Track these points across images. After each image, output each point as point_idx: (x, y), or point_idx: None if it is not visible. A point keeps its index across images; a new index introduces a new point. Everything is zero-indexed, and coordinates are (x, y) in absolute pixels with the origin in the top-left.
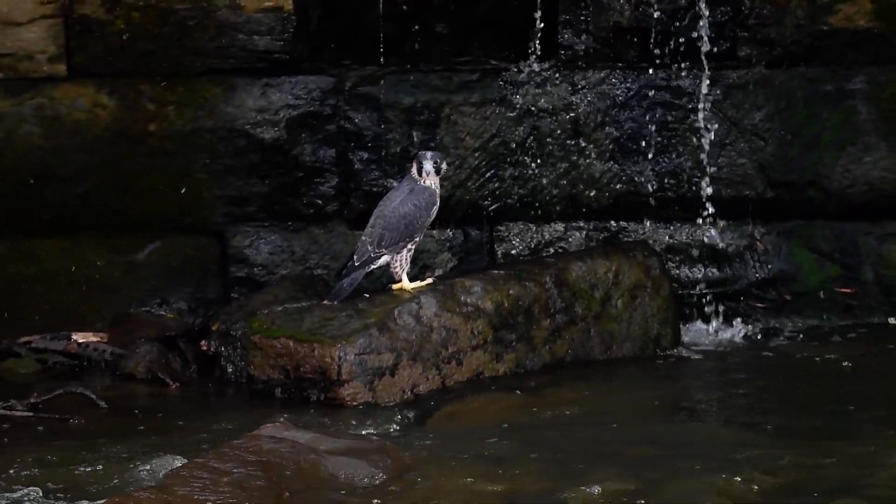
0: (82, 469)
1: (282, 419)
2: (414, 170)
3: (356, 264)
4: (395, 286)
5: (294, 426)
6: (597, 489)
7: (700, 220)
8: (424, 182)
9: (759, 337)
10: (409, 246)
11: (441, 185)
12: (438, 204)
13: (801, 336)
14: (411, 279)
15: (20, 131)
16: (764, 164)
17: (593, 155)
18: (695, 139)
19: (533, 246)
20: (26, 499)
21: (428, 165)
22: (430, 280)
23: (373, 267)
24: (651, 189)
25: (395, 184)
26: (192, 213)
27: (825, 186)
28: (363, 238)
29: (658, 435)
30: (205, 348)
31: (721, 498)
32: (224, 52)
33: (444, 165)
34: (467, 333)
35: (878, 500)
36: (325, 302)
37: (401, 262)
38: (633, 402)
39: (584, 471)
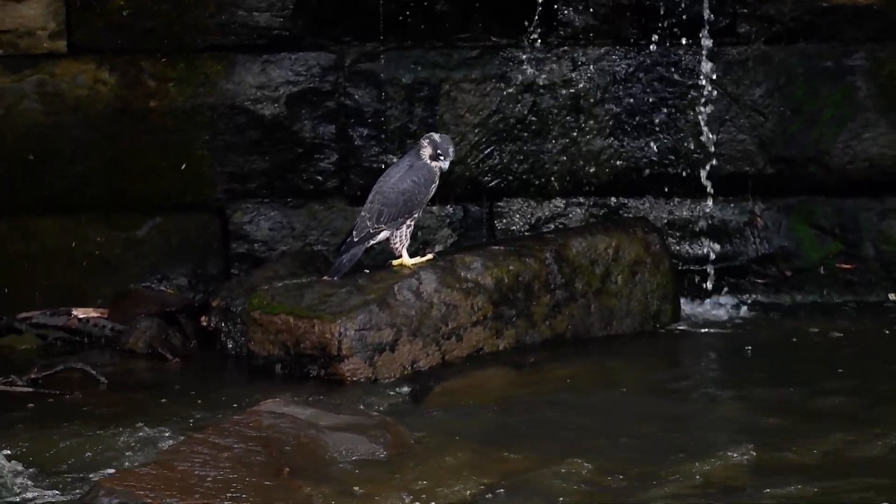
0: (82, 444)
1: (282, 395)
2: (427, 152)
3: (355, 240)
4: (395, 262)
5: (294, 402)
6: (591, 465)
7: (700, 197)
8: (436, 164)
9: (759, 313)
10: (408, 222)
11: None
12: (438, 181)
13: (802, 312)
14: (411, 255)
15: (20, 108)
16: (764, 140)
17: (593, 131)
18: (694, 115)
19: (533, 222)
20: (27, 474)
21: (451, 149)
22: (430, 256)
23: (371, 242)
24: (651, 165)
25: (394, 160)
26: (193, 189)
27: (825, 162)
28: (362, 213)
29: (657, 411)
30: (205, 324)
31: (714, 475)
32: (224, 29)
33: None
34: (467, 309)
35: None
36: (326, 278)
37: (400, 238)
38: (633, 379)
39: (582, 450)
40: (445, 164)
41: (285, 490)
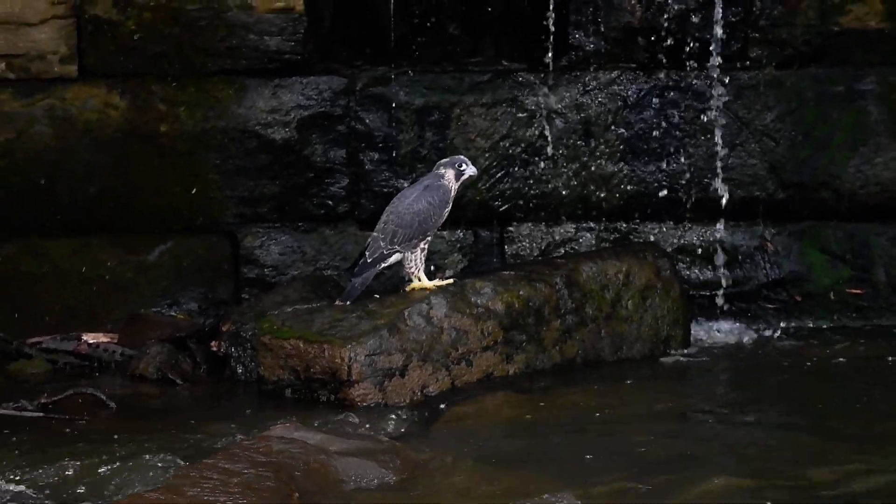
0: (92, 469)
1: (292, 420)
2: (451, 174)
3: (368, 261)
4: (413, 285)
5: (304, 427)
6: (603, 491)
7: (711, 221)
8: (448, 183)
9: (769, 338)
10: (421, 245)
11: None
12: (451, 204)
13: (812, 337)
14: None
15: (31, 131)
16: (775, 164)
17: (604, 156)
18: (705, 140)
19: (543, 247)
20: (36, 499)
21: (471, 170)
22: (451, 280)
23: (384, 265)
24: (661, 190)
25: (405, 185)
26: (203, 213)
27: (836, 187)
28: (374, 235)
29: (667, 437)
30: (215, 349)
31: (722, 500)
32: (235, 53)
33: None
34: (477, 334)
35: None
36: (338, 303)
37: (415, 261)
38: (643, 404)
39: (591, 473)
40: (473, 170)
41: None
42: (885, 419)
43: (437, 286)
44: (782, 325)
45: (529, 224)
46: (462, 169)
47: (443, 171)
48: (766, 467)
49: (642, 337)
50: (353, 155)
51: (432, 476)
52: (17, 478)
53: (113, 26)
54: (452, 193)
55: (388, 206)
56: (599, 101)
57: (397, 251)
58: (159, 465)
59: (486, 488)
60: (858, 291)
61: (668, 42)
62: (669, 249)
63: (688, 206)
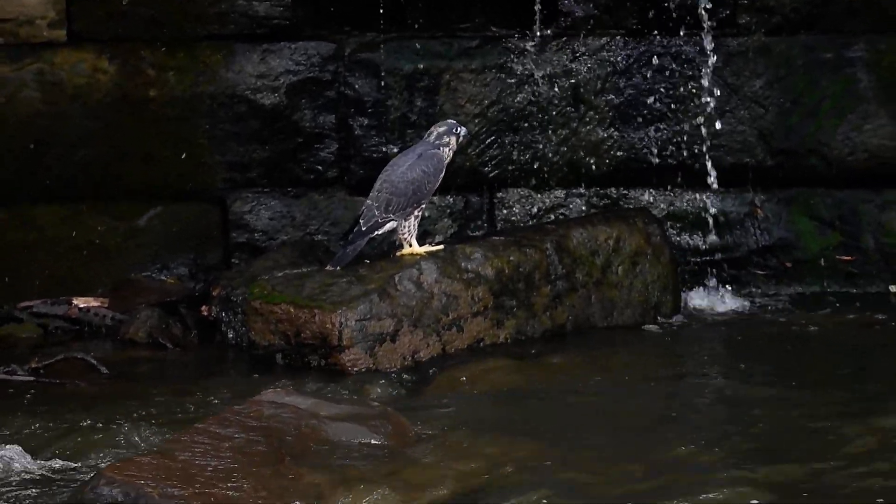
0: (83, 433)
1: (282, 385)
2: (453, 141)
3: (363, 229)
4: (404, 251)
5: (295, 392)
6: (591, 455)
7: (700, 187)
8: (445, 151)
9: (759, 304)
10: (416, 212)
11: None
12: (444, 171)
13: (801, 303)
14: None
15: (21, 97)
16: (764, 131)
17: (594, 122)
18: (695, 106)
19: (533, 213)
20: (26, 463)
21: (463, 129)
22: (441, 246)
23: (379, 232)
24: (651, 156)
25: (395, 150)
26: (193, 178)
27: (825, 154)
28: (368, 203)
29: (656, 401)
30: (205, 314)
31: (712, 463)
32: (224, 18)
33: None
34: (468, 300)
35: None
36: (328, 268)
37: (409, 228)
38: (633, 369)
39: (580, 437)
40: (464, 130)
41: (286, 479)
42: (872, 385)
43: (427, 252)
44: (772, 291)
45: (519, 190)
46: (458, 131)
47: (446, 139)
48: (756, 435)
49: (632, 303)
50: (343, 120)
51: (424, 441)
52: (7, 441)
53: None
54: (446, 160)
55: (381, 174)
56: (589, 67)
57: (392, 219)
58: (150, 429)
59: (477, 453)
60: (848, 258)
61: (658, 8)
62: (659, 215)
63: (677, 172)
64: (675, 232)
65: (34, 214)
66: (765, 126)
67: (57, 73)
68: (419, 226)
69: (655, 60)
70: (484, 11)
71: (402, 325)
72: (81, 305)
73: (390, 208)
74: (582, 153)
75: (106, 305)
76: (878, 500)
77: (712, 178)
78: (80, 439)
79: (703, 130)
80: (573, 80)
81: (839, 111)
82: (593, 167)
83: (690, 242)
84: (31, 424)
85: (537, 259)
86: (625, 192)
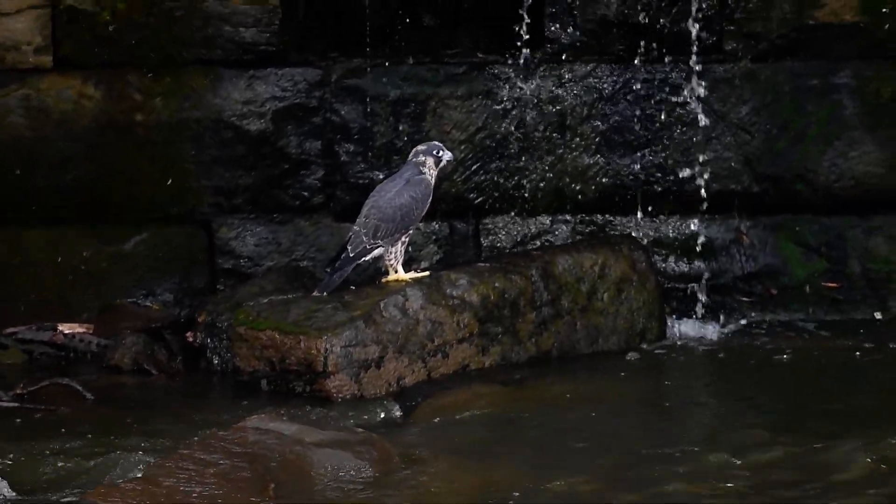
0: (67, 460)
1: (267, 411)
2: (430, 161)
3: (350, 255)
4: (389, 277)
5: (280, 418)
6: (576, 481)
7: (686, 214)
8: (429, 174)
9: (744, 331)
10: (403, 238)
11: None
12: (432, 196)
13: (787, 331)
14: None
15: (6, 122)
16: (750, 157)
17: (580, 148)
18: (681, 133)
19: (519, 239)
20: (9, 490)
21: (448, 155)
22: (426, 273)
23: (366, 258)
24: (637, 182)
25: (381, 176)
26: (179, 203)
27: (811, 180)
28: (356, 229)
29: (641, 427)
30: (191, 340)
31: (697, 489)
32: (211, 44)
33: None
34: (453, 326)
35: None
36: (315, 293)
37: (395, 254)
38: (618, 397)
39: (566, 465)
40: (450, 155)
41: None
42: (857, 411)
43: (412, 278)
44: (757, 317)
45: (505, 216)
46: (440, 155)
47: (422, 158)
48: (736, 463)
49: (618, 329)
50: (329, 146)
51: (409, 468)
52: None
53: (88, 16)
54: (433, 184)
55: (368, 200)
56: (575, 94)
57: (380, 245)
58: (135, 455)
59: (462, 480)
60: (834, 285)
61: (644, 34)
62: (645, 242)
63: (663, 198)
64: (660, 258)
65: (19, 238)
66: (751, 152)
67: (43, 99)
68: (405, 252)
69: (641, 87)
70: (470, 38)
71: (387, 351)
72: (67, 331)
73: (378, 234)
74: (568, 180)
75: (91, 331)
76: None
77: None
78: (64, 466)
79: (692, 157)
80: (559, 107)
81: (825, 137)
82: (579, 194)
83: (676, 269)
84: (15, 451)
85: (523, 286)
86: (610, 218)
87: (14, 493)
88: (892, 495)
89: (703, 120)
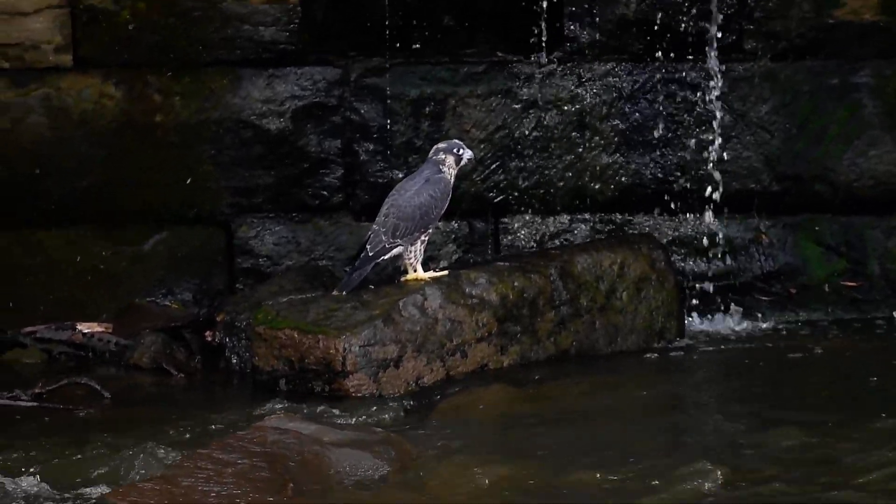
0: (86, 459)
1: (286, 410)
2: (451, 160)
3: (370, 255)
4: (408, 276)
5: (298, 417)
6: (596, 481)
7: (705, 213)
8: (449, 172)
9: (763, 330)
10: (422, 237)
11: None
12: (451, 195)
13: (806, 329)
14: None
15: (26, 122)
16: (770, 157)
17: (599, 147)
18: (700, 132)
19: (538, 238)
20: (30, 489)
21: (468, 153)
22: (445, 272)
23: (385, 257)
24: (656, 181)
25: (400, 175)
26: (198, 204)
27: (831, 180)
28: (375, 228)
29: (660, 428)
30: (210, 339)
31: (715, 490)
32: (230, 44)
33: None
34: (472, 325)
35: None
36: (334, 293)
37: (415, 253)
38: (637, 396)
39: (584, 463)
40: (470, 153)
41: None
42: (878, 413)
43: (431, 277)
44: (776, 317)
45: (524, 215)
46: (460, 153)
47: (442, 156)
48: (759, 461)
49: (637, 328)
50: (348, 145)
51: (427, 468)
52: (11, 466)
53: (108, 16)
54: (452, 183)
55: (387, 199)
56: (594, 93)
57: (399, 244)
58: (154, 455)
59: (481, 479)
60: (853, 284)
61: (664, 33)
62: (664, 241)
63: (682, 197)
64: (679, 257)
65: (39, 239)
66: (770, 152)
67: (63, 99)
68: (424, 251)
69: (661, 86)
70: (489, 37)
71: (406, 350)
72: (86, 331)
73: (398, 233)
74: (587, 178)
75: (110, 331)
76: None
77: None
78: (83, 465)
79: (709, 156)
80: (578, 106)
81: (845, 137)
82: (598, 193)
83: (695, 268)
84: (35, 450)
85: (542, 285)
86: (629, 217)
87: (35, 485)
88: None
89: (722, 119)
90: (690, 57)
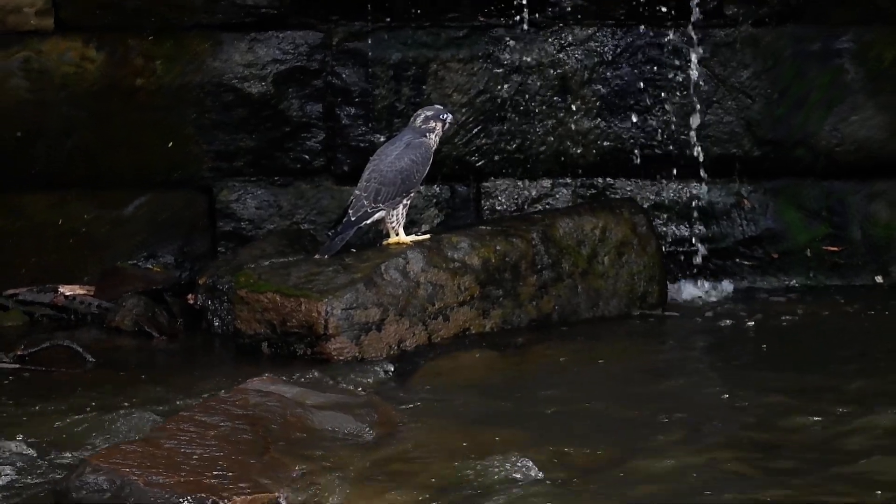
0: (69, 422)
1: (268, 373)
2: (440, 127)
3: (352, 219)
4: (390, 240)
5: (281, 380)
6: (576, 446)
7: (687, 178)
8: (434, 138)
9: (745, 295)
10: (404, 201)
11: None
12: (432, 159)
13: (788, 294)
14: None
15: (7, 85)
16: (751, 122)
17: (581, 112)
18: (682, 97)
19: (520, 202)
20: (12, 451)
21: (450, 116)
22: (427, 235)
23: (368, 222)
24: (638, 146)
25: (382, 140)
26: (180, 167)
27: (813, 145)
28: (357, 193)
29: (642, 392)
30: (191, 302)
31: (698, 455)
32: (212, 7)
33: None
34: (454, 289)
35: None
36: (316, 256)
37: (397, 217)
38: (618, 360)
39: (566, 428)
40: (451, 116)
41: (271, 468)
42: (860, 376)
43: (413, 241)
44: (758, 282)
45: (506, 180)
46: (445, 118)
47: (432, 124)
48: (738, 430)
49: (618, 293)
50: (330, 110)
51: (410, 430)
52: None
53: None
54: (434, 148)
55: (369, 164)
56: (576, 58)
57: (381, 209)
58: (136, 417)
59: (463, 443)
60: (835, 249)
61: None
62: (646, 206)
63: (664, 162)
64: (661, 222)
65: (21, 203)
66: (752, 117)
67: (44, 62)
68: (406, 215)
69: (642, 51)
70: (471, 1)
71: (388, 314)
72: (67, 293)
73: (379, 198)
74: (569, 143)
75: (92, 294)
76: (877, 493)
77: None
78: (65, 427)
79: (690, 121)
80: (560, 71)
81: (827, 102)
82: (580, 157)
83: (677, 233)
84: (16, 412)
85: (524, 249)
86: (611, 182)
87: (16, 447)
88: None
89: (703, 84)
90: (672, 22)
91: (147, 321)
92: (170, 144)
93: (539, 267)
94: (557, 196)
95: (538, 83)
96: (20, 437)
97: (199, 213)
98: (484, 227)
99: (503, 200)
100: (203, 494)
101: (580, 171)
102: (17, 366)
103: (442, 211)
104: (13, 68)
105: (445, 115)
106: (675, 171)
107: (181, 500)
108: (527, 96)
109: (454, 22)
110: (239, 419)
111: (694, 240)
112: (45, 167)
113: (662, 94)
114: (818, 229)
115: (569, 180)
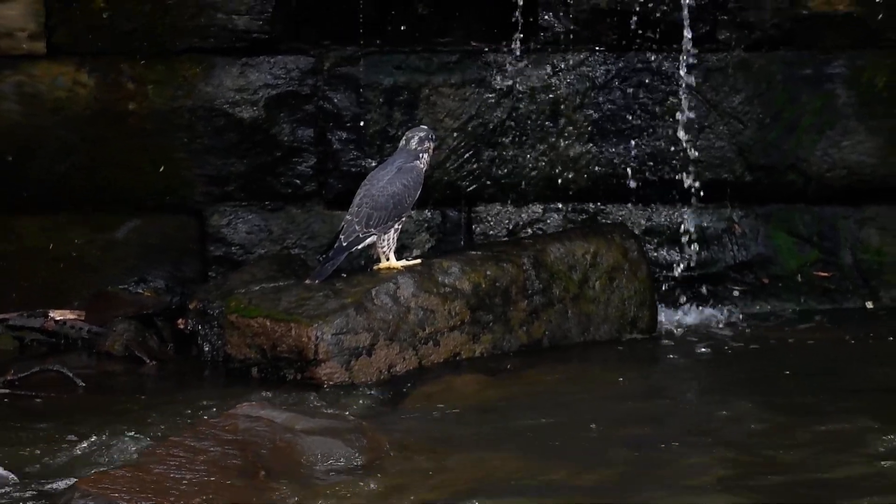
0: (58, 447)
1: (258, 398)
2: (430, 146)
3: (343, 244)
4: (381, 265)
5: (270, 405)
6: (567, 471)
7: (678, 203)
8: (422, 160)
9: (735, 320)
10: (396, 226)
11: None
12: (423, 184)
13: (779, 320)
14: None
15: (0, 109)
16: (743, 147)
17: (572, 137)
18: (673, 122)
19: (511, 227)
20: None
21: (429, 143)
22: (419, 260)
23: (359, 247)
24: (630, 171)
25: (373, 164)
26: (171, 191)
27: (804, 170)
28: (348, 218)
29: (632, 416)
30: (182, 327)
31: (690, 479)
32: (204, 32)
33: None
34: (444, 314)
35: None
36: (307, 281)
37: (388, 242)
38: (609, 386)
39: (556, 453)
40: (432, 134)
41: (260, 493)
42: (848, 398)
43: (404, 266)
44: (749, 307)
45: (497, 204)
46: (433, 138)
47: (427, 144)
48: (730, 451)
49: (609, 318)
50: (321, 134)
51: (399, 456)
52: None
53: (82, 4)
54: (424, 171)
55: (360, 188)
56: (568, 83)
57: (372, 234)
58: (126, 442)
59: (452, 469)
60: (825, 274)
61: (637, 23)
62: (637, 231)
63: (655, 187)
64: (652, 247)
65: (13, 225)
66: (744, 142)
67: (36, 86)
68: (397, 240)
69: (634, 76)
70: (463, 26)
71: (378, 339)
72: (58, 318)
73: (371, 223)
74: (560, 168)
75: (82, 318)
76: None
77: (690, 195)
78: (54, 452)
79: (682, 146)
80: (552, 95)
81: (818, 127)
82: (571, 182)
83: (668, 258)
84: (6, 437)
85: (514, 274)
86: (602, 207)
87: (5, 472)
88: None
89: (695, 109)
90: (664, 47)
91: (137, 346)
92: (161, 169)
93: (530, 292)
94: (549, 221)
95: (530, 108)
96: (9, 462)
97: (190, 237)
98: (475, 252)
99: (494, 225)
100: None
101: (571, 196)
102: (7, 391)
103: (433, 236)
104: (6, 92)
105: (433, 135)
106: (666, 197)
107: None
108: (519, 121)
109: (446, 47)
110: (228, 444)
111: (685, 265)
112: (37, 190)
113: (654, 119)
114: (809, 254)
115: (560, 205)
